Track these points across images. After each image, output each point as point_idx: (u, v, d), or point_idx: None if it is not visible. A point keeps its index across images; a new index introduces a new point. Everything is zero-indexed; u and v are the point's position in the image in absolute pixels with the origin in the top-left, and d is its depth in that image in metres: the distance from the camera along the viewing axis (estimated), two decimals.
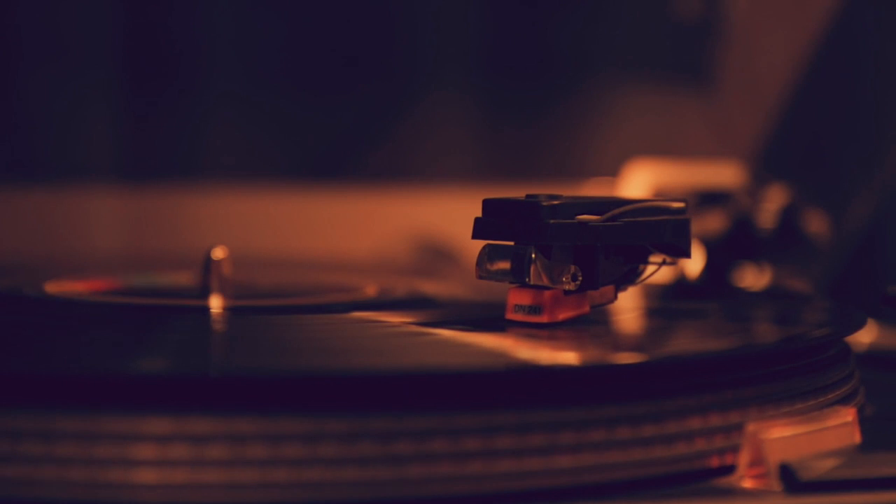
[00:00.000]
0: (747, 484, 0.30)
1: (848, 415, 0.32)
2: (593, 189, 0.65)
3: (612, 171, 0.65)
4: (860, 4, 0.58)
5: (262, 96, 0.72)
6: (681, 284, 0.53)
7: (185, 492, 0.27)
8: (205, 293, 0.42)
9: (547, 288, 0.35)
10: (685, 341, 0.37)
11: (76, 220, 0.70)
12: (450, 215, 0.68)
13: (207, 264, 0.42)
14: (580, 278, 0.35)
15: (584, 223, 0.35)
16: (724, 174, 0.59)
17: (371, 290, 0.45)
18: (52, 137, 0.70)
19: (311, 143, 0.73)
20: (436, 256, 0.68)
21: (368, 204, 0.72)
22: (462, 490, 0.28)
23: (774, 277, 0.56)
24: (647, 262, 0.37)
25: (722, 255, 0.56)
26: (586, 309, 0.36)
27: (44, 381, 0.29)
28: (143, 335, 0.36)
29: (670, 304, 0.45)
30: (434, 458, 0.28)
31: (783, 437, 0.31)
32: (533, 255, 0.35)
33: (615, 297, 0.37)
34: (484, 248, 0.36)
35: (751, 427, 0.31)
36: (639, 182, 0.60)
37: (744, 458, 0.31)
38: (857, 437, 0.32)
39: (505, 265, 0.35)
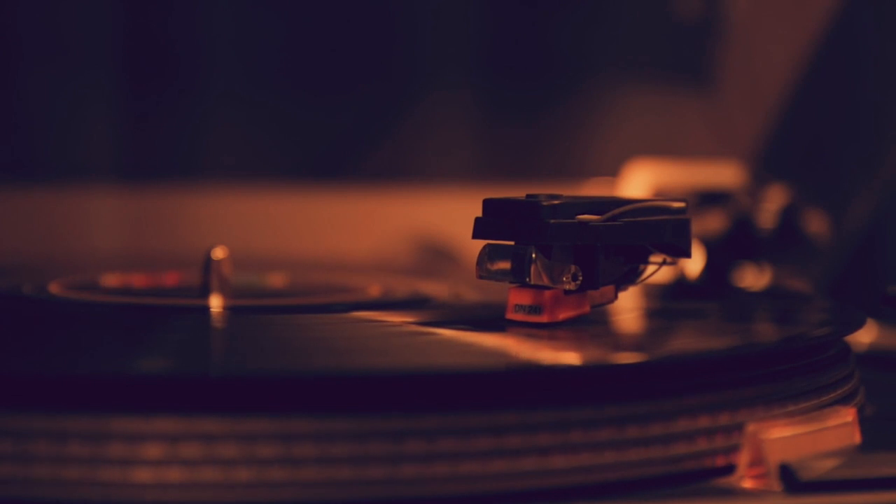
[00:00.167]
0: (747, 484, 0.30)
1: (848, 415, 0.32)
2: (593, 189, 0.65)
3: (612, 171, 0.65)
4: (860, 4, 0.58)
5: (262, 96, 0.72)
6: (681, 284, 0.53)
7: (185, 491, 0.27)
8: (205, 293, 0.42)
9: (547, 288, 0.35)
10: (685, 341, 0.37)
11: (76, 220, 0.70)
12: (450, 215, 0.68)
13: (207, 264, 0.42)
14: (580, 278, 0.35)
15: (585, 223, 0.35)
16: (724, 174, 0.59)
17: (371, 290, 0.45)
18: (52, 137, 0.70)
19: (311, 143, 0.73)
20: (436, 256, 0.68)
21: (368, 204, 0.72)
22: (460, 490, 0.28)
23: (774, 277, 0.56)
24: (647, 262, 0.37)
25: (722, 255, 0.56)
26: (587, 309, 0.36)
27: (43, 381, 0.29)
28: (144, 335, 0.36)
29: (670, 304, 0.45)
30: (433, 458, 0.28)
31: (783, 437, 0.31)
32: (533, 255, 0.35)
33: (615, 297, 0.37)
34: (484, 247, 0.36)
35: (751, 427, 0.31)
36: (639, 182, 0.60)
37: (744, 458, 0.31)
38: (857, 437, 0.32)
39: (505, 265, 0.35)
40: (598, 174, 0.68)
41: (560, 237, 0.35)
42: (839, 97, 0.59)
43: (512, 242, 0.35)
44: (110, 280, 0.49)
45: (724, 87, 0.66)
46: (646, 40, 0.74)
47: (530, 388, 0.30)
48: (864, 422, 0.33)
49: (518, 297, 0.35)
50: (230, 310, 0.40)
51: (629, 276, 0.37)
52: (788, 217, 0.56)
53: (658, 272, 0.37)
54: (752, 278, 0.56)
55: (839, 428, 0.32)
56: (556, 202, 0.35)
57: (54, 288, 0.44)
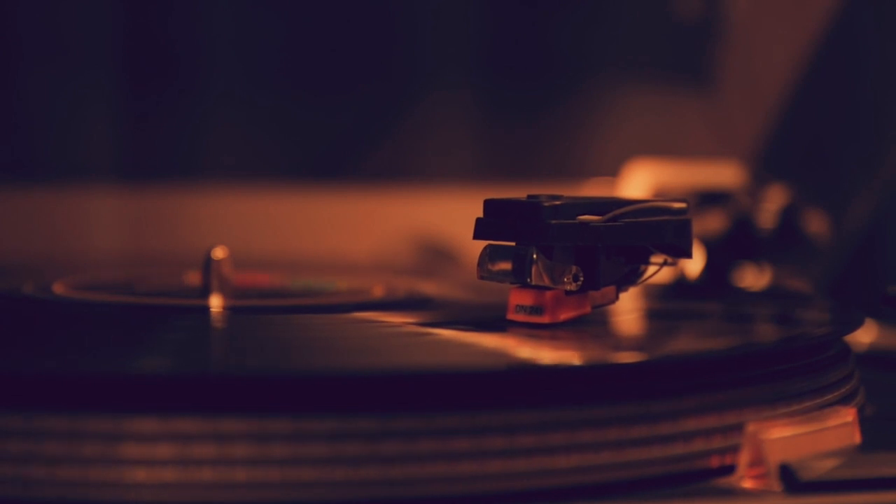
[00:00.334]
0: (747, 484, 0.30)
1: (848, 415, 0.32)
2: (593, 189, 0.65)
3: (612, 171, 0.65)
4: (860, 4, 0.58)
5: (262, 96, 0.72)
6: (681, 284, 0.53)
7: (183, 491, 0.27)
8: (205, 293, 0.42)
9: (548, 288, 0.35)
10: (685, 341, 0.37)
11: (76, 220, 0.70)
12: (450, 215, 0.68)
13: (207, 264, 0.42)
14: (581, 279, 0.35)
15: (586, 224, 0.35)
16: (724, 174, 0.59)
17: (371, 291, 0.45)
18: (52, 137, 0.70)
19: (311, 143, 0.73)
20: (436, 256, 0.68)
21: (368, 204, 0.72)
22: (460, 490, 0.28)
23: (774, 277, 0.56)
24: (648, 263, 0.37)
25: (722, 255, 0.56)
26: (587, 309, 0.36)
27: (43, 381, 0.29)
28: (144, 335, 0.36)
29: (670, 304, 0.45)
30: (433, 458, 0.28)
31: (783, 437, 0.31)
32: (534, 256, 0.35)
33: (616, 298, 0.37)
34: (485, 248, 0.36)
35: (751, 427, 0.31)
36: (639, 182, 0.60)
37: (744, 459, 0.31)
38: (857, 438, 0.32)
39: (506, 266, 0.35)
40: (598, 174, 0.68)
41: (561, 238, 0.35)
42: (839, 97, 0.59)
43: (513, 243, 0.35)
44: (111, 280, 0.49)
45: (724, 87, 0.66)
46: (646, 40, 0.74)
47: (530, 388, 0.30)
48: (864, 422, 0.33)
49: (519, 298, 0.35)
50: (230, 310, 0.40)
51: (630, 277, 0.37)
52: (788, 217, 0.56)
53: (659, 272, 0.37)
54: (752, 278, 0.56)
55: (839, 428, 0.32)
56: (557, 203, 0.35)
57: (54, 288, 0.44)
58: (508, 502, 0.29)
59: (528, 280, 0.35)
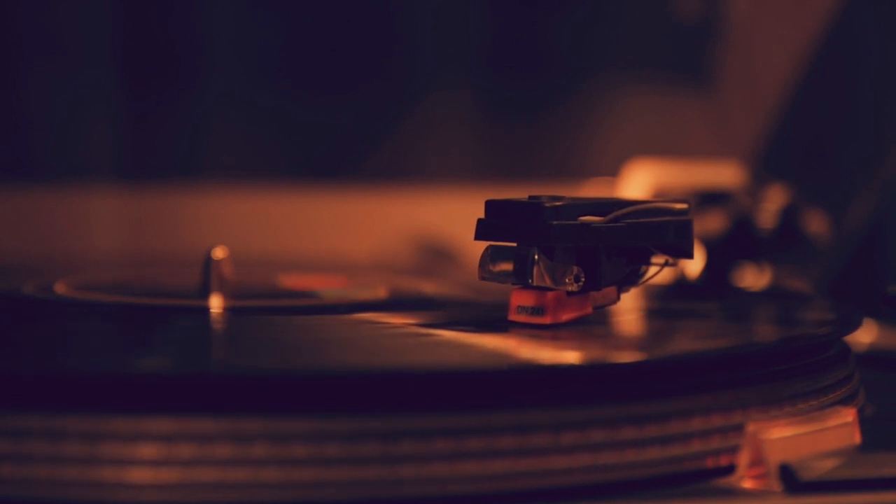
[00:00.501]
0: (747, 484, 0.30)
1: (848, 415, 0.33)
2: (594, 189, 0.65)
3: (612, 171, 0.65)
4: (860, 4, 0.58)
5: (262, 96, 0.72)
6: (681, 284, 0.53)
7: (184, 491, 0.27)
8: (205, 293, 0.42)
9: (549, 289, 0.35)
10: (685, 341, 0.37)
11: (76, 220, 0.70)
12: (450, 215, 0.68)
13: (207, 264, 0.42)
14: (583, 279, 0.35)
15: (587, 224, 0.35)
16: (724, 174, 0.59)
17: (372, 291, 0.45)
18: (52, 137, 0.70)
19: (311, 143, 0.73)
20: (436, 256, 0.68)
21: (368, 204, 0.72)
22: (459, 490, 0.29)
23: (774, 277, 0.56)
24: (649, 263, 0.37)
25: (722, 255, 0.56)
26: (589, 310, 0.36)
27: (43, 381, 0.29)
28: (144, 335, 0.36)
29: (670, 304, 0.45)
30: (433, 458, 0.28)
31: (783, 437, 0.31)
32: (536, 257, 0.35)
33: (618, 298, 0.37)
34: (486, 249, 0.36)
35: (751, 427, 0.31)
36: (639, 182, 0.60)
37: (744, 459, 0.31)
38: (857, 438, 0.32)
39: (507, 266, 0.35)
40: (598, 174, 0.68)
41: (563, 239, 0.35)
42: (839, 97, 0.59)
43: (514, 244, 0.35)
44: (111, 280, 0.49)
45: (724, 87, 0.66)
46: (646, 40, 0.74)
47: (530, 388, 0.30)
48: (864, 422, 0.33)
49: (520, 299, 0.35)
50: (230, 310, 0.40)
51: (631, 277, 0.37)
52: (788, 217, 0.56)
53: (660, 273, 0.37)
54: (752, 278, 0.56)
55: (839, 428, 0.32)
56: (558, 203, 0.35)
57: (55, 288, 0.44)
58: (507, 502, 0.29)
59: (530, 281, 0.35)
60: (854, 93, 0.59)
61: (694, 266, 0.55)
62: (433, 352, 0.33)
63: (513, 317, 0.36)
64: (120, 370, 0.30)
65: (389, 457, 0.28)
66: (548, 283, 0.35)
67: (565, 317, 0.35)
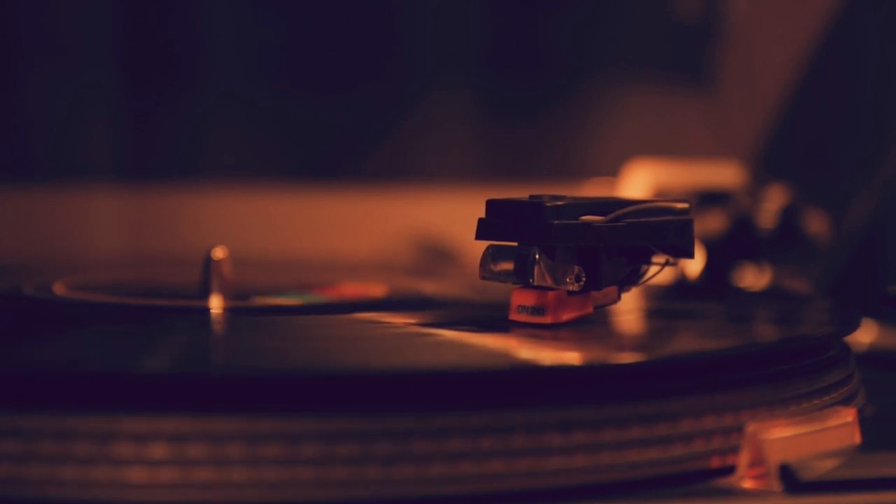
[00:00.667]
0: (747, 484, 0.30)
1: (848, 415, 0.33)
2: (594, 189, 0.65)
3: (612, 171, 0.65)
4: (860, 4, 0.58)
5: (262, 96, 0.72)
6: (681, 284, 0.53)
7: (177, 492, 0.27)
8: (205, 293, 0.42)
9: (550, 289, 0.35)
10: (685, 341, 0.37)
11: (76, 220, 0.70)
12: (450, 215, 0.68)
13: (207, 264, 0.42)
14: (584, 279, 0.35)
15: (588, 224, 0.35)
16: (724, 174, 0.59)
17: (372, 291, 0.45)
18: (52, 137, 0.70)
19: (311, 143, 0.73)
20: (436, 256, 0.68)
21: (368, 204, 0.72)
22: (459, 490, 0.29)
23: (774, 277, 0.56)
24: (649, 263, 0.37)
25: (722, 255, 0.56)
26: (590, 309, 0.36)
27: (43, 380, 0.29)
28: (143, 335, 0.36)
29: (671, 304, 0.45)
30: (432, 458, 0.28)
31: (783, 437, 0.31)
32: (536, 256, 0.35)
33: (618, 298, 0.37)
34: (487, 248, 0.36)
35: (751, 427, 0.31)
36: (639, 182, 0.60)
37: (744, 459, 0.31)
38: (857, 438, 0.32)
39: (508, 266, 0.35)
40: (598, 174, 0.68)
41: (564, 238, 0.35)
42: (839, 97, 0.59)
43: (515, 243, 0.35)
44: (111, 280, 0.49)
45: (724, 87, 0.66)
46: (646, 40, 0.74)
47: (530, 389, 0.30)
48: (864, 422, 0.33)
49: (521, 298, 0.35)
50: (230, 310, 0.40)
51: (632, 277, 0.37)
52: (788, 217, 0.56)
53: (660, 272, 0.37)
54: (752, 278, 0.56)
55: (839, 428, 0.32)
56: (559, 203, 0.35)
57: (54, 288, 0.44)
58: (507, 502, 0.29)
59: (531, 280, 0.35)
60: (854, 93, 0.59)
61: (694, 266, 0.55)
62: (433, 352, 0.33)
63: (513, 316, 0.36)
64: (119, 370, 0.30)
65: (389, 457, 0.28)
66: (549, 282, 0.35)
67: (566, 316, 0.35)
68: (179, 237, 0.70)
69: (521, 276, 0.35)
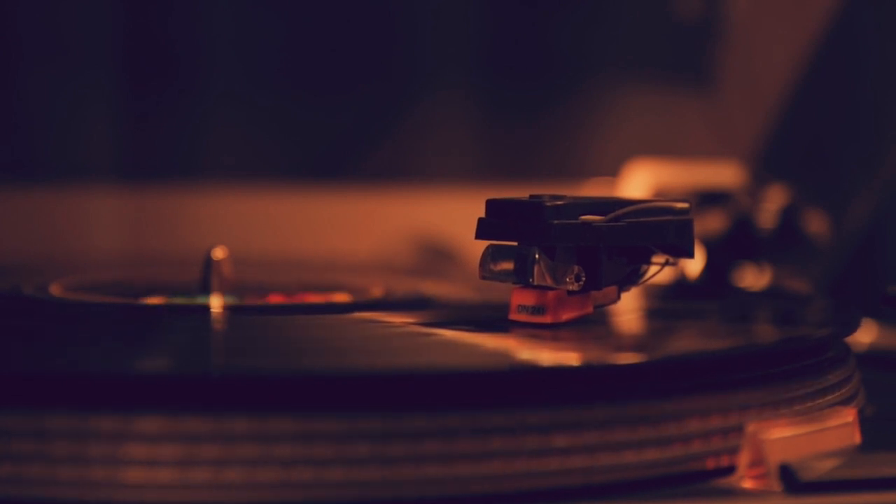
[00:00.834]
0: (747, 484, 0.30)
1: (848, 415, 0.33)
2: (594, 189, 0.65)
3: (612, 171, 0.65)
4: (860, 4, 0.58)
5: (262, 96, 0.72)
6: (681, 284, 0.53)
7: (178, 492, 0.27)
8: (205, 293, 0.42)
9: (550, 288, 0.35)
10: (685, 341, 0.37)
11: (76, 220, 0.70)
12: (450, 215, 0.68)
13: (207, 264, 0.42)
14: (583, 279, 0.35)
15: (588, 224, 0.35)
16: (724, 174, 0.59)
17: (372, 291, 0.45)
18: (52, 137, 0.70)
19: (311, 143, 0.73)
20: (436, 256, 0.68)
21: (368, 204, 0.72)
22: (458, 491, 0.28)
23: (774, 277, 0.56)
24: (649, 263, 0.37)
25: (722, 255, 0.56)
26: (589, 309, 0.36)
27: (42, 381, 0.29)
28: (143, 335, 0.36)
29: (670, 304, 0.45)
30: (430, 459, 0.28)
31: (783, 437, 0.31)
32: (536, 256, 0.35)
33: (618, 298, 0.37)
34: (487, 248, 0.36)
35: (751, 427, 0.31)
36: (639, 182, 0.60)
37: (744, 459, 0.31)
38: (857, 438, 0.32)
39: (508, 266, 0.35)
40: (598, 174, 0.68)
41: (563, 238, 0.35)
42: (839, 97, 0.59)
43: (515, 243, 0.35)
44: (111, 280, 0.49)
45: (724, 87, 0.66)
46: (646, 40, 0.74)
47: (531, 389, 0.30)
48: (864, 422, 0.33)
49: (521, 298, 0.35)
50: (230, 310, 0.40)
51: (632, 277, 0.37)
52: (788, 217, 0.56)
53: (660, 272, 0.37)
54: (752, 278, 0.56)
55: (839, 428, 0.32)
56: (559, 203, 0.35)
57: (54, 288, 0.44)
58: (506, 503, 0.29)
59: (531, 280, 0.35)
60: (854, 93, 0.59)
61: (694, 266, 0.55)
62: (433, 352, 0.33)
63: (513, 316, 0.36)
64: (118, 370, 0.30)
65: (386, 457, 0.28)
66: (548, 282, 0.35)
67: (566, 316, 0.35)
68: (179, 237, 0.70)
69: (521, 276, 0.35)
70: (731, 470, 0.31)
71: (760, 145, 0.61)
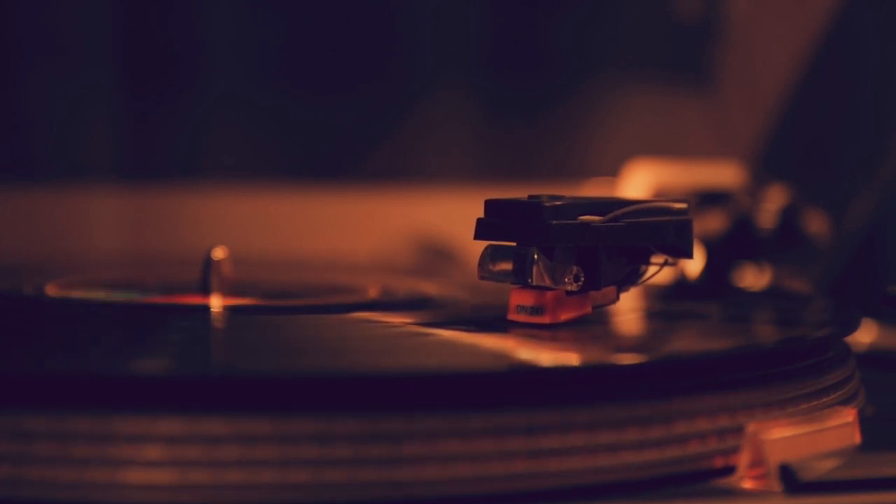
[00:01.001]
0: (747, 484, 0.30)
1: (848, 415, 0.32)
2: (594, 189, 0.65)
3: (612, 171, 0.65)
4: (860, 4, 0.58)
5: (262, 96, 0.72)
6: (681, 285, 0.53)
7: (174, 493, 0.27)
8: (205, 293, 0.42)
9: (549, 289, 0.35)
10: (685, 342, 0.37)
11: (76, 220, 0.70)
12: (450, 215, 0.68)
13: (207, 264, 0.42)
14: (582, 279, 0.35)
15: (587, 224, 0.35)
16: (724, 174, 0.59)
17: (372, 291, 0.45)
18: (52, 137, 0.70)
19: (311, 143, 0.73)
20: (436, 256, 0.68)
21: (368, 204, 0.72)
22: (458, 491, 0.28)
23: (774, 277, 0.56)
24: (648, 263, 0.37)
25: (722, 255, 0.56)
26: (588, 309, 0.36)
27: (43, 381, 0.29)
28: (143, 335, 0.36)
29: (670, 304, 0.45)
30: (432, 459, 0.28)
31: (783, 437, 0.31)
32: (535, 256, 0.35)
33: (617, 298, 0.37)
34: (486, 248, 0.36)
35: (751, 427, 0.31)
36: (639, 182, 0.60)
37: (744, 459, 0.31)
38: (857, 438, 0.32)
39: (507, 266, 0.35)
40: (598, 174, 0.68)
41: (562, 238, 0.35)
42: (839, 97, 0.59)
43: (514, 243, 0.35)
44: (111, 280, 0.49)
45: (724, 87, 0.66)
46: (646, 40, 0.74)
47: (530, 389, 0.30)
48: (864, 422, 0.33)
49: (520, 298, 0.35)
50: (230, 310, 0.40)
51: (631, 277, 0.37)
52: (788, 217, 0.56)
53: (659, 273, 0.37)
54: (752, 278, 0.56)
55: (839, 428, 0.32)
56: (558, 203, 0.35)
57: (54, 288, 0.44)
58: (505, 503, 0.29)
59: (529, 280, 0.35)
60: (854, 93, 0.59)
61: (694, 266, 0.55)
62: (433, 352, 0.33)
63: (512, 316, 0.36)
64: (118, 371, 0.30)
65: (388, 458, 0.28)
66: (547, 282, 0.35)
67: (564, 316, 0.35)
68: (179, 237, 0.70)
69: (520, 276, 0.35)
70: (731, 470, 0.31)
71: (760, 145, 0.61)
